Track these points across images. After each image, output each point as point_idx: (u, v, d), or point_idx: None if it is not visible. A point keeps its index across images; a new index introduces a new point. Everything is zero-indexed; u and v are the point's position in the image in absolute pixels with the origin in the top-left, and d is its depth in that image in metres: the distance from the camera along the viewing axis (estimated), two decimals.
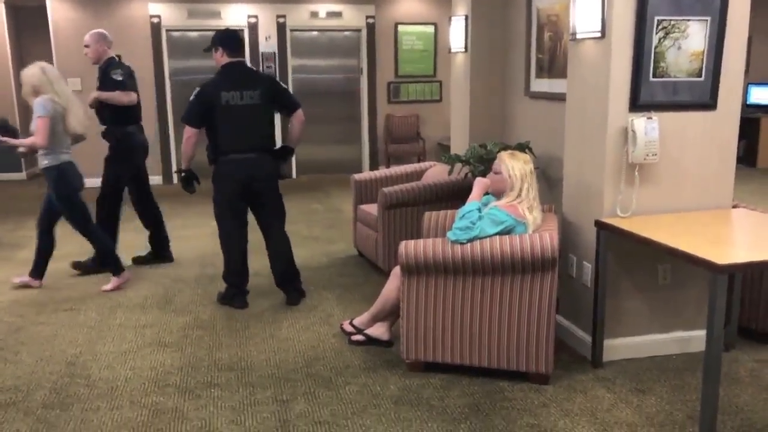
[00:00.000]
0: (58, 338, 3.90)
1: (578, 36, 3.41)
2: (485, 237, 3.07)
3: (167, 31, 9.20)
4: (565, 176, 3.71)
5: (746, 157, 9.77)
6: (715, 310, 2.48)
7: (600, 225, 3.27)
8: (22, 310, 4.38)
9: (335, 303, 4.41)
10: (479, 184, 3.29)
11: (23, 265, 5.39)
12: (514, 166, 3.21)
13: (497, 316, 3.14)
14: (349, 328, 3.76)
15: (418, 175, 5.43)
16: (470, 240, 3.06)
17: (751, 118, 9.64)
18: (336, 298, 4.49)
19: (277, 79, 9.20)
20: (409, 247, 3.14)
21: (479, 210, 3.16)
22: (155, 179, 9.34)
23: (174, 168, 9.25)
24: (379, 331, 3.64)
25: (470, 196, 3.27)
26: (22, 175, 9.93)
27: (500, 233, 3.10)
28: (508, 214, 3.14)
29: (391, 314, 3.55)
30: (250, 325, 4.05)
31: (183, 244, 6.02)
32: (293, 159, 8.03)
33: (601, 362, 3.41)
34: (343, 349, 3.68)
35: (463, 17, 4.95)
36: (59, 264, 5.40)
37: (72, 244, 6.07)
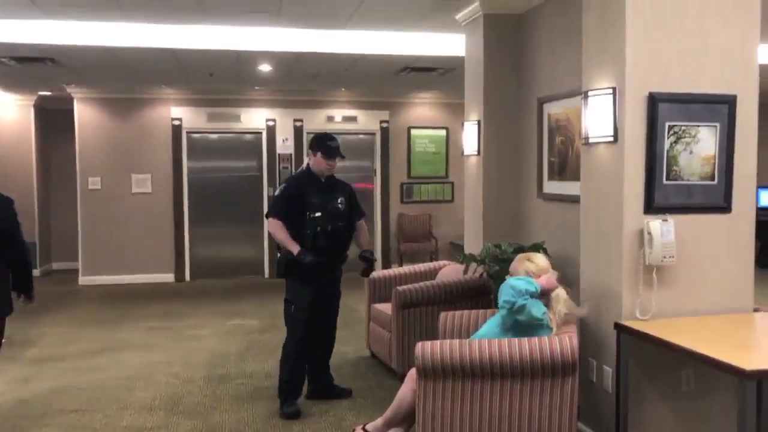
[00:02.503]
0: None
1: (591, 140, 3.49)
2: (528, 316, 3.11)
3: (188, 132, 9.51)
4: (582, 278, 3.68)
5: (761, 259, 9.69)
6: (746, 419, 2.39)
7: (620, 328, 3.21)
8: (27, 410, 4.28)
9: (347, 407, 4.28)
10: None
11: (31, 364, 5.33)
12: (532, 266, 3.32)
13: (516, 423, 3.02)
14: None
15: (432, 274, 5.41)
16: (516, 302, 3.08)
17: (763, 221, 9.65)
18: (348, 402, 4.36)
19: None
20: (425, 348, 3.08)
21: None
22: (168, 276, 9.41)
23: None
24: None
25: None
26: (36, 272, 9.99)
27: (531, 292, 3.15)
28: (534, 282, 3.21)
29: (406, 419, 3.43)
30: (259, 430, 3.93)
31: (194, 343, 5.95)
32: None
33: None
34: None
35: (476, 122, 5.10)
36: (70, 363, 5.34)
37: (83, 342, 6.02)
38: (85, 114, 9.26)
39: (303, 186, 4.22)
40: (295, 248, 4.06)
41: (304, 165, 4.51)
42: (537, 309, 3.17)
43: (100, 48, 6.26)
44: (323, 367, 4.45)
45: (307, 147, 4.40)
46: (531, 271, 3.31)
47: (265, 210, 9.46)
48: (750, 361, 2.52)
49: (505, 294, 3.14)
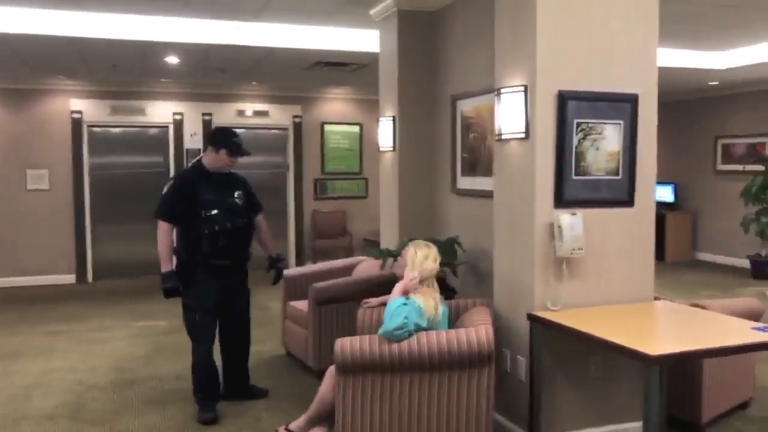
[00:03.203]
0: None
1: (504, 137, 3.58)
2: (419, 329, 3.08)
3: (89, 126, 9.04)
4: (495, 271, 3.77)
5: (656, 251, 10.30)
6: (651, 402, 2.51)
7: (532, 318, 3.31)
8: None
9: (263, 407, 4.20)
10: (399, 285, 3.37)
11: None
12: (411, 252, 3.38)
13: (435, 415, 3.06)
14: None
15: (348, 270, 5.39)
16: (411, 335, 3.03)
17: (657, 214, 10.24)
18: (264, 402, 4.28)
19: None
20: (345, 345, 3.06)
21: (404, 304, 3.17)
22: (69, 278, 8.92)
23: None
24: None
25: (392, 295, 3.31)
26: None
27: (423, 327, 3.13)
28: (421, 307, 3.21)
29: (329, 416, 3.40)
30: None
31: (99, 347, 5.67)
32: None
33: None
34: None
35: (391, 118, 5.12)
36: None
37: None
38: None
39: (194, 183, 3.97)
40: (166, 266, 3.86)
41: (194, 160, 4.27)
42: (418, 316, 3.15)
43: None
44: (239, 368, 4.33)
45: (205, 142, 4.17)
46: (405, 263, 3.38)
47: None
48: (654, 347, 2.65)
49: (389, 335, 3.06)
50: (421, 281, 3.33)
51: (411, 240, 4.46)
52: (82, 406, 4.24)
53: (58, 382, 4.73)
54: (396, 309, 3.11)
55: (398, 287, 3.34)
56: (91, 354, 5.43)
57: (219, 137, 4.08)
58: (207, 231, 3.89)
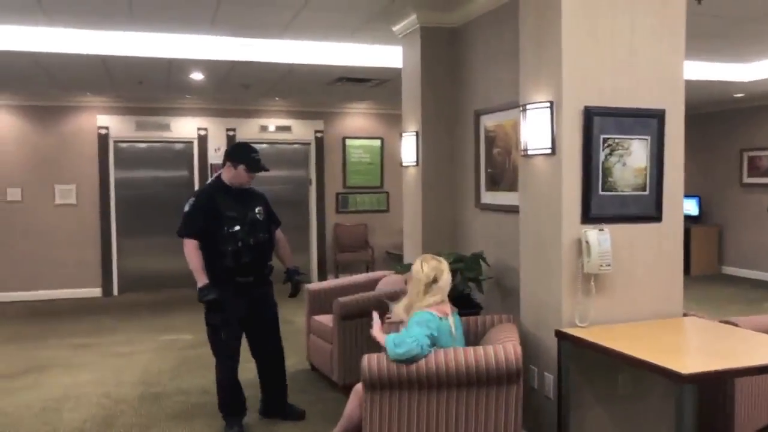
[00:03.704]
0: None
1: (530, 152, 3.58)
2: (428, 348, 3.04)
3: (115, 142, 9.19)
4: (522, 287, 3.76)
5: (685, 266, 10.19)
6: (684, 421, 2.49)
7: (560, 335, 3.29)
8: None
9: (291, 423, 4.20)
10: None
11: None
12: (419, 267, 3.34)
13: (464, 431, 3.05)
14: None
15: (371, 284, 5.40)
16: (408, 351, 3.00)
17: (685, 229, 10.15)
18: None
19: None
20: (372, 362, 3.06)
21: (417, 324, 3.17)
22: (95, 291, 9.03)
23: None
24: None
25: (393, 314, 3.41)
26: None
27: (434, 336, 3.11)
28: (425, 312, 3.19)
29: None
30: None
31: (126, 360, 5.73)
32: None
33: None
34: None
35: (414, 133, 5.15)
36: None
37: (2, 363, 5.71)
38: (4, 122, 8.80)
39: (214, 198, 3.96)
40: (202, 280, 3.83)
41: (213, 176, 4.27)
42: (419, 329, 3.11)
43: (21, 53, 5.96)
44: (276, 382, 4.24)
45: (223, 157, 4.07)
46: (411, 274, 3.36)
47: None
48: (685, 365, 2.63)
49: (392, 355, 3.05)
50: (425, 293, 3.28)
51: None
52: (111, 420, 4.29)
53: (87, 395, 4.78)
54: (403, 335, 3.10)
55: (400, 304, 3.37)
56: (118, 367, 5.49)
57: (237, 153, 4.05)
58: (230, 248, 3.88)
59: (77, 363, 5.66)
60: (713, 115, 10.42)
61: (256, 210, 4.04)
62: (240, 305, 3.97)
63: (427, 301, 3.27)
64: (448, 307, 3.34)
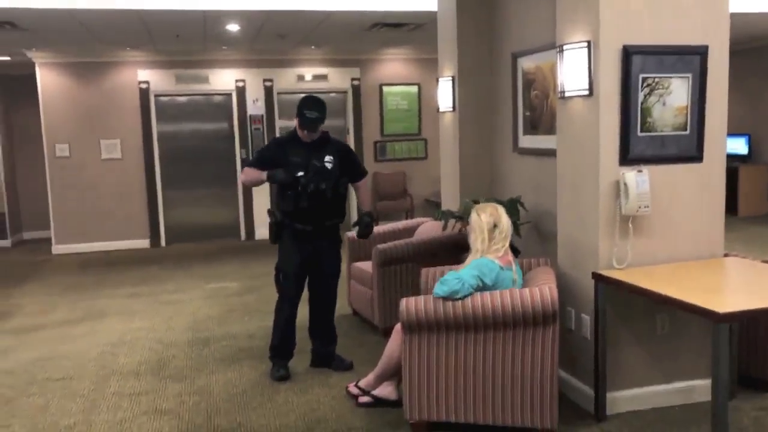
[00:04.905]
0: (51, 409, 3.81)
1: (567, 94, 3.52)
2: (470, 288, 3.09)
3: (156, 96, 9.33)
4: (559, 230, 3.76)
5: (728, 206, 9.96)
6: (720, 360, 2.50)
7: (597, 277, 3.31)
8: (12, 380, 4.28)
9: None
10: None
11: (11, 335, 5.31)
12: (478, 216, 3.32)
13: (500, 372, 3.12)
14: (355, 391, 3.71)
15: (410, 231, 5.46)
16: (453, 293, 3.07)
17: (729, 167, 9.87)
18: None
19: (265, 140, 9.32)
20: (410, 304, 3.14)
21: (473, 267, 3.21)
22: (144, 243, 9.34)
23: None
24: (386, 391, 3.59)
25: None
26: (6, 243, 9.83)
27: (484, 282, 3.13)
28: (487, 260, 3.20)
29: (397, 373, 3.51)
30: (247, 390, 3.99)
31: (175, 308, 5.96)
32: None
33: (605, 416, 3.38)
34: (344, 411, 3.62)
35: (450, 78, 5.09)
36: (51, 332, 5.33)
37: (62, 311, 6.01)
38: (48, 79, 9.00)
39: (285, 145, 4.12)
40: (263, 175, 4.04)
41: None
42: (469, 272, 3.15)
43: (62, 11, 6.07)
44: (323, 335, 4.31)
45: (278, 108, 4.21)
46: (472, 225, 3.34)
47: (239, 172, 9.45)
48: (723, 304, 2.63)
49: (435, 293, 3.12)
50: (490, 240, 3.28)
51: (474, 202, 4.49)
52: (163, 363, 4.51)
53: (140, 341, 5.02)
54: (449, 276, 3.15)
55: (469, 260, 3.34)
56: (168, 315, 5.72)
57: (298, 107, 4.05)
58: (291, 192, 4.00)
59: (130, 311, 5.92)
60: (764, 48, 9.97)
61: (326, 159, 4.06)
62: (299, 252, 4.07)
63: (494, 248, 3.27)
64: (511, 256, 3.35)
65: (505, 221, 3.34)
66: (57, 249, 9.12)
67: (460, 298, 3.08)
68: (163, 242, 9.45)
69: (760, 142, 10.22)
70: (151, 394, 3.98)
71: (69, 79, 9.06)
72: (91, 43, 8.19)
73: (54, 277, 7.57)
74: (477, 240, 3.31)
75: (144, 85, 9.22)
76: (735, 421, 3.29)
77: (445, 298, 3.09)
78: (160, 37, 7.90)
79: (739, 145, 10.16)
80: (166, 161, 9.44)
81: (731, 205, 10.02)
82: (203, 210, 9.65)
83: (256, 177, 4.11)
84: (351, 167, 4.25)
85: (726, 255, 3.58)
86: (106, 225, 9.23)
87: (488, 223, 3.29)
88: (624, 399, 3.45)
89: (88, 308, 6.05)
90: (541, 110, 4.43)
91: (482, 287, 3.15)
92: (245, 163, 4.20)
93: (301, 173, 3.98)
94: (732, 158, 10.38)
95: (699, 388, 3.49)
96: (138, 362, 4.55)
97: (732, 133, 10.40)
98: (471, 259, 3.30)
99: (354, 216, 9.28)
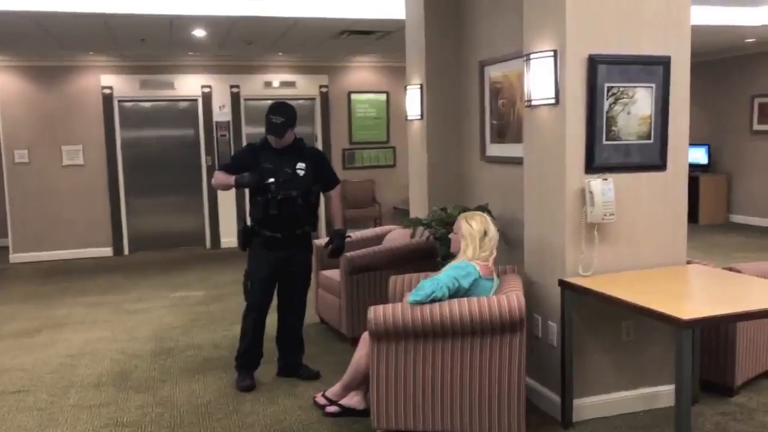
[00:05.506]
0: (5, 424, 3.68)
1: (533, 103, 3.55)
2: (445, 288, 3.09)
3: (119, 101, 9.16)
4: (526, 237, 3.78)
5: (689, 214, 10.16)
6: (683, 366, 2.53)
7: (564, 284, 3.33)
8: None
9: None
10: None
11: None
12: (468, 224, 3.35)
13: (468, 380, 3.12)
14: (322, 401, 3.66)
15: (378, 239, 5.44)
16: (429, 296, 3.06)
17: (690, 176, 10.08)
18: None
19: (232, 147, 9.23)
20: (378, 312, 3.12)
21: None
22: (107, 251, 9.14)
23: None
24: (353, 400, 3.56)
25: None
26: None
27: (461, 284, 3.14)
28: (468, 263, 3.22)
29: (364, 382, 3.48)
30: (212, 400, 3.91)
31: (138, 317, 5.84)
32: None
33: (571, 422, 3.40)
34: (311, 421, 3.58)
35: (418, 86, 5.10)
36: (7, 342, 5.17)
37: (20, 321, 5.83)
38: (7, 83, 8.78)
39: (257, 150, 4.07)
40: (231, 179, 4.04)
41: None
42: (447, 275, 3.19)
43: (22, 12, 5.92)
44: (291, 345, 4.25)
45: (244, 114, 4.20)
46: (462, 233, 3.36)
47: (204, 180, 9.33)
48: (686, 311, 2.66)
49: (410, 298, 3.12)
50: (480, 247, 3.31)
51: (442, 210, 4.50)
52: (125, 375, 4.40)
53: (102, 351, 4.90)
54: (424, 282, 3.15)
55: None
56: (131, 324, 5.60)
57: (266, 113, 4.00)
58: (260, 198, 3.96)
59: (91, 320, 5.77)
60: (724, 61, 10.24)
61: (298, 166, 4.01)
62: (268, 259, 4.02)
63: (482, 255, 3.31)
64: (493, 267, 3.36)
65: (493, 229, 3.39)
66: (14, 257, 8.87)
67: (436, 300, 3.07)
68: (126, 250, 9.26)
69: (720, 151, 10.47)
70: (112, 405, 3.88)
71: (29, 84, 8.85)
72: (52, 47, 8.01)
73: (11, 287, 7.36)
74: (468, 247, 3.33)
75: (107, 91, 9.05)
76: (698, 426, 3.34)
77: (420, 303, 3.07)
78: (125, 42, 7.77)
79: (699, 155, 10.39)
80: (130, 168, 9.27)
81: (692, 214, 10.23)
82: (168, 217, 9.49)
83: (225, 181, 4.10)
84: (324, 175, 4.21)
85: (689, 262, 3.64)
86: (67, 233, 9.02)
87: (479, 231, 3.33)
88: (590, 405, 3.47)
89: (47, 318, 5.88)
90: (508, 119, 4.46)
91: (457, 289, 3.15)
92: (217, 167, 4.11)
93: (271, 180, 3.93)
94: (693, 167, 10.60)
95: (663, 393, 3.53)
96: (99, 373, 4.43)
97: (693, 143, 10.66)
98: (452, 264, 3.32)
99: (324, 225, 9.25)
